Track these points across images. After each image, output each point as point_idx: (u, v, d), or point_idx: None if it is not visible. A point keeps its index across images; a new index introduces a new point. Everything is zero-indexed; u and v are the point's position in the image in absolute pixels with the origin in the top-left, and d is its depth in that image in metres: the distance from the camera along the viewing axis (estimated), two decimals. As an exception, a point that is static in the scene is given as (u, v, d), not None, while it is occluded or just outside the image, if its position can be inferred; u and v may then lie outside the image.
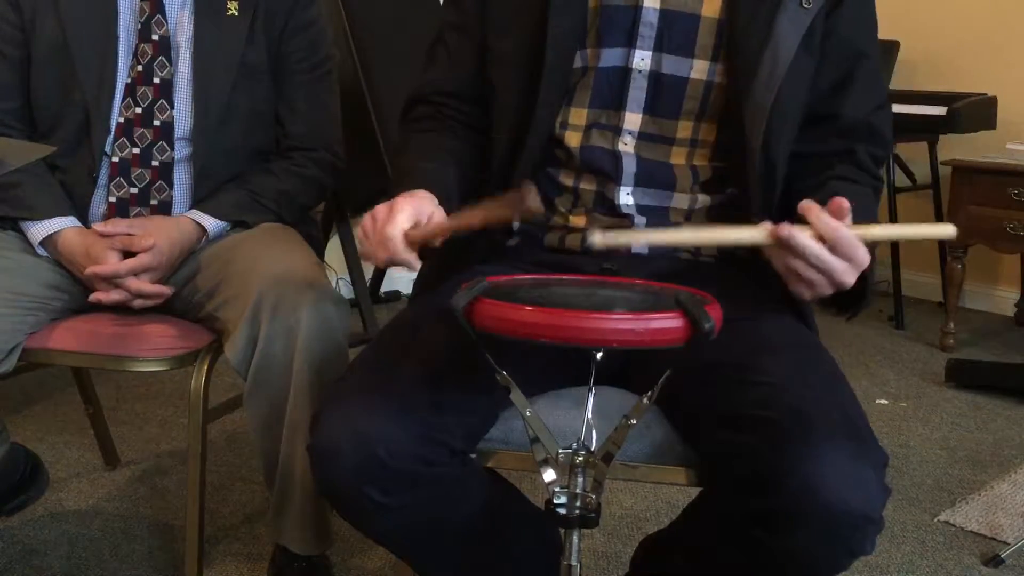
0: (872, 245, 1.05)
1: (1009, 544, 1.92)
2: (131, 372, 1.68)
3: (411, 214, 1.11)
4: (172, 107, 1.61)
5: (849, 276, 1.03)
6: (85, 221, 1.61)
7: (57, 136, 1.61)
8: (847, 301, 1.16)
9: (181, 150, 1.63)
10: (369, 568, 1.81)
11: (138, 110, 1.60)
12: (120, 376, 2.70)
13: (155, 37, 1.60)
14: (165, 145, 1.61)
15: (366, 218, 1.13)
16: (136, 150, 1.60)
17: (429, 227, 1.11)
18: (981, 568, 1.88)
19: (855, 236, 1.02)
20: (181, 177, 1.64)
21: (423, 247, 1.12)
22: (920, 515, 2.10)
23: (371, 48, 2.97)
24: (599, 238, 1.01)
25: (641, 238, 1.01)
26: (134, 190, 1.60)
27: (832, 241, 1.01)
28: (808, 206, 1.03)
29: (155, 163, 1.61)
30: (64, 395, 2.58)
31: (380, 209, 1.12)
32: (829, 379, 1.12)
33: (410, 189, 1.17)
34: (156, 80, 1.60)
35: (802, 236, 1.01)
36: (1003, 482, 2.26)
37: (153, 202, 1.61)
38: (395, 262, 1.12)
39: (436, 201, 1.16)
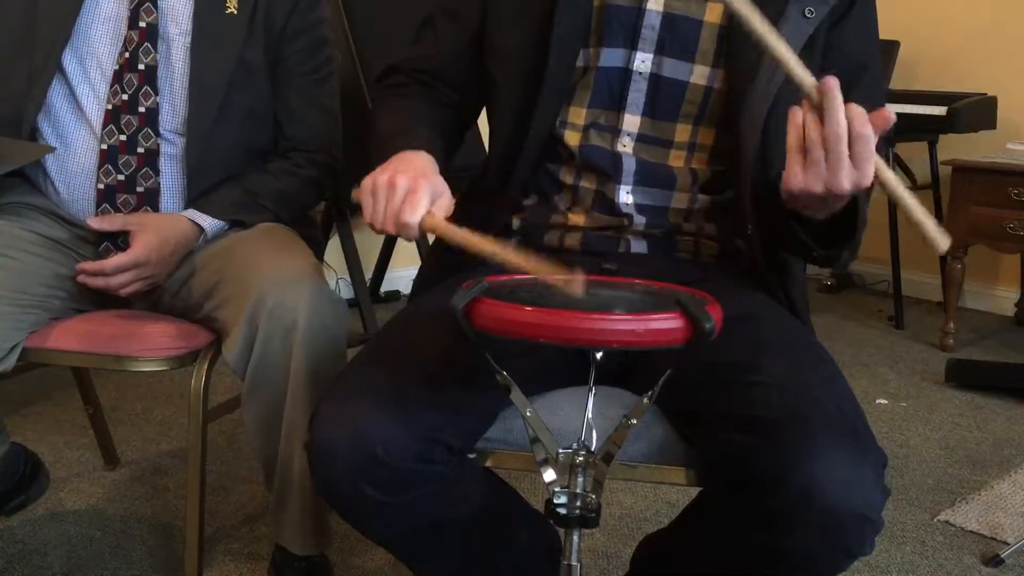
0: (874, 184, 1.01)
1: (1009, 544, 1.92)
2: (131, 372, 1.68)
3: (430, 200, 1.09)
4: (156, 93, 1.61)
5: (847, 184, 0.99)
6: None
7: None
8: (832, 240, 1.14)
9: (172, 142, 1.63)
10: (369, 568, 1.81)
11: (124, 97, 1.61)
12: (120, 376, 2.70)
13: (142, 24, 1.61)
14: (150, 132, 1.61)
15: (380, 181, 1.09)
16: (123, 137, 1.61)
17: (454, 236, 1.08)
18: (981, 568, 1.88)
19: (874, 157, 0.98)
20: (169, 166, 1.63)
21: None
22: (920, 515, 2.10)
23: (371, 49, 2.97)
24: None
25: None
26: (121, 177, 1.61)
27: (856, 134, 0.98)
28: (854, 104, 0.98)
29: (140, 150, 1.61)
30: (64, 395, 2.58)
31: (400, 181, 1.08)
32: (828, 379, 1.12)
33: (407, 148, 1.17)
34: (141, 67, 1.61)
35: (840, 104, 0.97)
36: (1003, 482, 2.26)
37: (139, 189, 1.61)
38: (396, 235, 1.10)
39: (438, 168, 1.16)
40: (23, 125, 1.61)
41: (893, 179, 1.01)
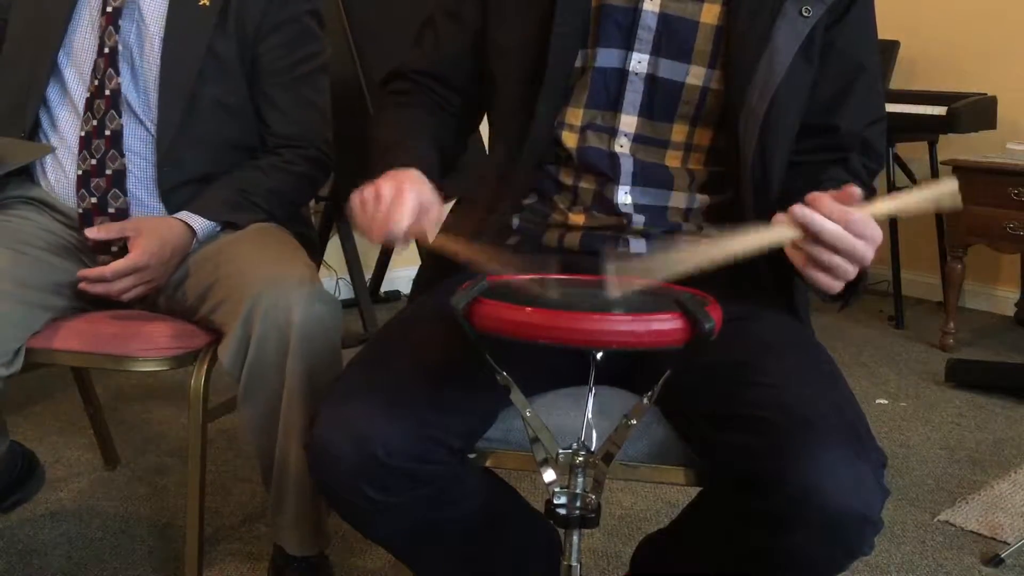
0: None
1: (1009, 544, 1.92)
2: (131, 372, 1.68)
3: (416, 206, 1.10)
4: (118, 75, 1.63)
5: (869, 252, 1.02)
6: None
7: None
8: (843, 289, 1.15)
9: (141, 124, 1.64)
10: (369, 568, 1.81)
11: (95, 83, 1.63)
12: (120, 376, 2.70)
13: (108, 9, 1.63)
14: (114, 114, 1.63)
15: (368, 193, 1.11)
16: (95, 122, 1.63)
17: (433, 242, 1.11)
18: (981, 568, 1.88)
19: (866, 215, 1.01)
20: (136, 148, 1.64)
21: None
22: (920, 515, 2.10)
23: (371, 47, 2.97)
24: (614, 277, 1.00)
25: (658, 269, 0.98)
26: (93, 161, 1.63)
27: (845, 224, 1.00)
28: (817, 195, 1.01)
29: (107, 132, 1.63)
30: (64, 395, 2.58)
31: (386, 189, 1.10)
32: (828, 379, 1.12)
33: (399, 165, 1.17)
34: (106, 50, 1.63)
35: (819, 217, 1.00)
36: (1003, 482, 2.26)
37: (108, 171, 1.63)
38: (389, 245, 1.12)
39: (428, 183, 1.17)
40: (26, 118, 1.64)
41: (886, 207, 1.03)
